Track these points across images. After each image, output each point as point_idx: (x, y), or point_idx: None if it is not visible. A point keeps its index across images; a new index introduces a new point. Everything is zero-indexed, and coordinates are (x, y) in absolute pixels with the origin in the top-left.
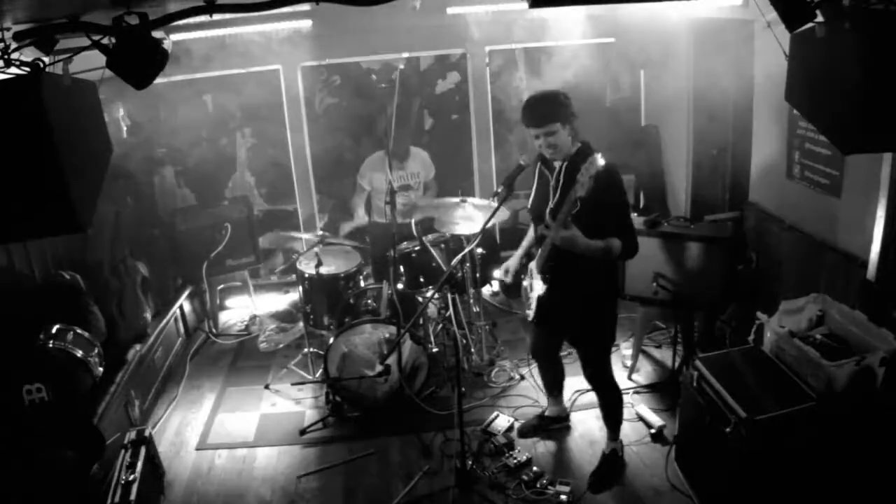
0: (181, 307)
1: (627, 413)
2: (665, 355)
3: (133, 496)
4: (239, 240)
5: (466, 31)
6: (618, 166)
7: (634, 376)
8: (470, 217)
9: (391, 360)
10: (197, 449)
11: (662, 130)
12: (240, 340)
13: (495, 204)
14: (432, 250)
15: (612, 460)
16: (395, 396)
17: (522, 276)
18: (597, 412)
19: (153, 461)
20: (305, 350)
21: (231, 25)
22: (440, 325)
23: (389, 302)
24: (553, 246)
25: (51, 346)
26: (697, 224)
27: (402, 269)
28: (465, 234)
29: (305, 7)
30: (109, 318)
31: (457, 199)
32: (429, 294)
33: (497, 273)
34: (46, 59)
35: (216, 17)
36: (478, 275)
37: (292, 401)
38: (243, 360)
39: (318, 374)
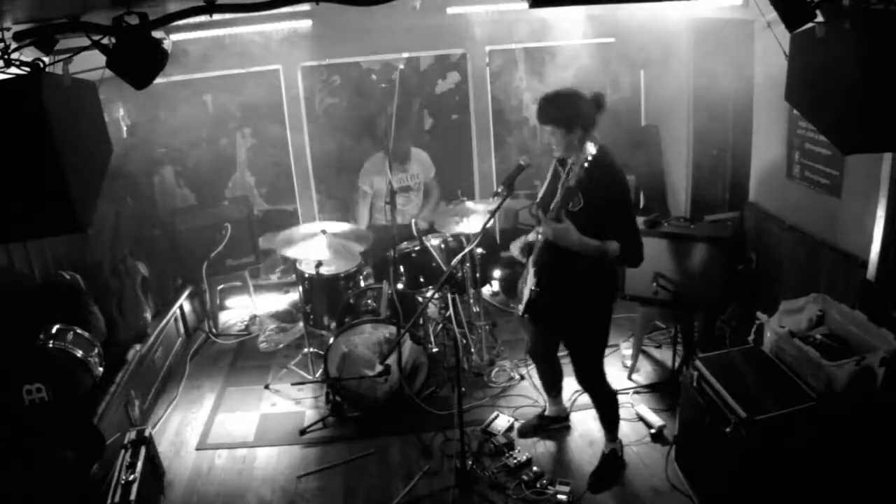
0: (181, 307)
1: (627, 413)
2: (665, 355)
3: (133, 496)
4: (239, 240)
5: (466, 31)
6: (619, 165)
7: (634, 376)
8: (470, 217)
9: (391, 360)
10: (197, 449)
11: (662, 130)
12: (240, 340)
13: (495, 204)
14: (432, 250)
15: (612, 460)
16: (395, 396)
17: (524, 261)
18: (596, 412)
19: (153, 461)
20: (305, 350)
21: (231, 25)
22: (440, 325)
23: (389, 302)
24: (547, 240)
25: (51, 346)
26: (697, 224)
27: (402, 269)
28: (465, 234)
29: (305, 7)
30: (109, 318)
31: (456, 201)
32: (429, 294)
33: (512, 246)
34: (46, 59)
35: (216, 17)
36: (478, 275)
37: (292, 401)
38: (243, 360)
39: (318, 374)
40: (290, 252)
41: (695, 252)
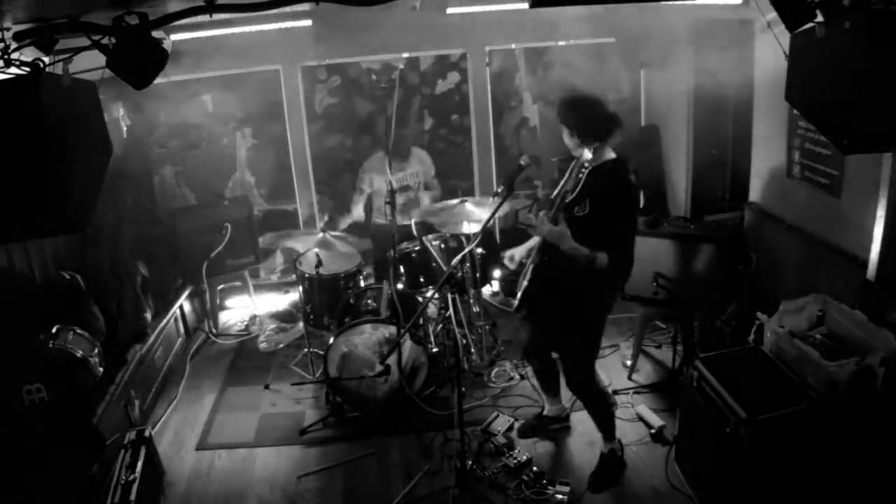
0: (181, 307)
1: (627, 413)
2: (665, 355)
3: (133, 496)
4: (239, 240)
5: (466, 31)
6: (629, 177)
7: (634, 376)
8: (470, 217)
9: (391, 360)
10: (197, 449)
11: (662, 130)
12: (240, 340)
13: (495, 203)
14: (432, 250)
15: (611, 460)
16: (395, 396)
17: (524, 260)
18: None
19: (153, 461)
20: (305, 350)
21: (231, 25)
22: (440, 325)
23: (389, 302)
24: (544, 239)
25: (51, 346)
26: (697, 224)
27: (402, 269)
28: (465, 234)
29: (305, 7)
30: (109, 318)
31: (457, 201)
32: (429, 294)
33: (506, 255)
34: (46, 59)
35: (216, 17)
36: (478, 275)
37: (292, 401)
38: (243, 360)
39: (318, 374)
40: (290, 244)
41: (695, 252)
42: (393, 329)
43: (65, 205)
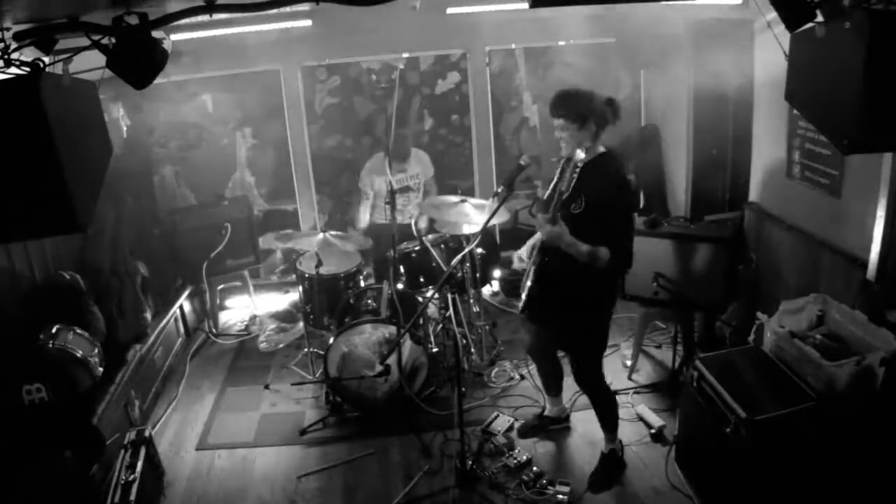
0: (181, 307)
1: (627, 413)
2: (665, 355)
3: (133, 496)
4: (239, 240)
5: (466, 31)
6: (624, 171)
7: (634, 376)
8: (470, 217)
9: (391, 360)
10: (197, 449)
11: (662, 130)
12: (240, 340)
13: (495, 204)
14: (432, 250)
15: (612, 460)
16: (395, 396)
17: (524, 265)
18: None
19: (153, 461)
20: (305, 350)
21: (231, 25)
22: (440, 325)
23: (389, 302)
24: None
25: (51, 346)
26: (697, 224)
27: (402, 269)
28: (465, 234)
29: (305, 7)
30: (109, 318)
31: (457, 199)
32: (429, 294)
33: (514, 256)
34: (46, 59)
35: (216, 17)
36: (478, 275)
37: (292, 401)
38: (243, 360)
39: (318, 374)
40: (290, 244)
41: (695, 252)
42: (393, 329)
43: (65, 205)
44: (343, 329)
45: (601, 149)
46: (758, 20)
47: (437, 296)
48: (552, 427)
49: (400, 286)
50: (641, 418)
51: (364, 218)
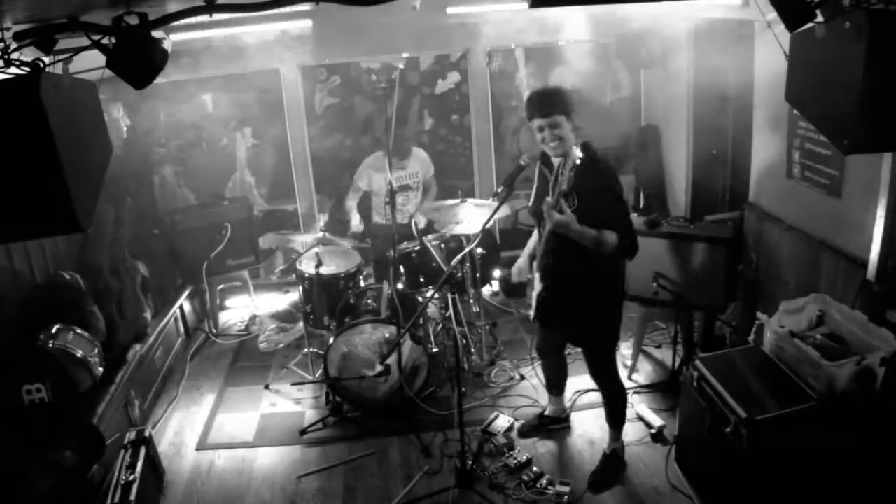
0: (181, 307)
1: (628, 413)
2: (665, 355)
3: (133, 496)
4: (239, 240)
5: (466, 31)
6: (609, 159)
7: (634, 376)
8: (470, 217)
9: (391, 360)
10: (197, 449)
11: (662, 130)
12: (240, 340)
13: (495, 203)
14: (432, 250)
15: (613, 460)
16: (395, 396)
17: (529, 276)
18: (597, 412)
19: (153, 461)
20: (305, 350)
21: (231, 25)
22: (440, 325)
23: (389, 302)
24: (551, 242)
25: (51, 346)
26: (697, 224)
27: (402, 269)
28: (465, 234)
29: (305, 7)
30: (109, 318)
31: (457, 199)
32: (429, 294)
33: (512, 272)
34: (46, 59)
35: (216, 17)
36: (478, 275)
37: (292, 401)
38: (243, 360)
39: (318, 374)
40: (290, 244)
41: (695, 252)
42: (393, 329)
43: (65, 205)
44: (343, 329)
45: (577, 149)
46: (758, 20)
47: (437, 296)
48: (552, 427)
49: (400, 286)
50: (641, 418)
51: (353, 209)
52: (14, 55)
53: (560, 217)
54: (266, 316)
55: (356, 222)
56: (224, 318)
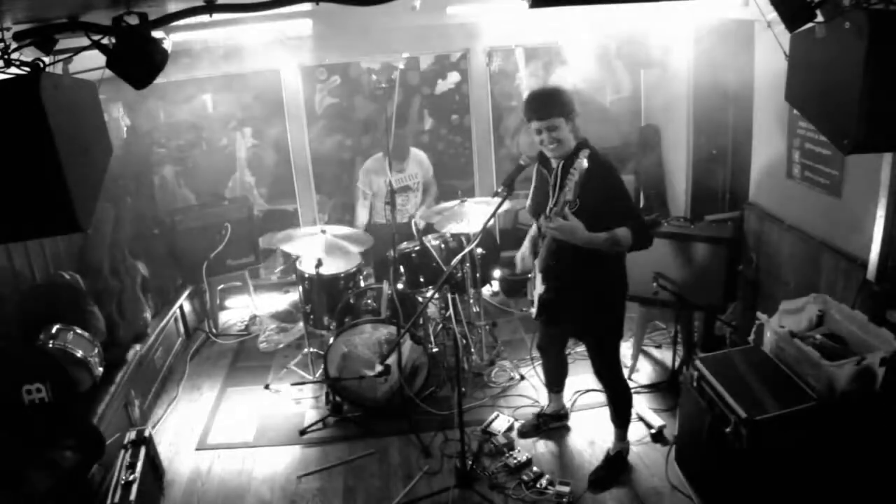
0: (181, 307)
1: None
2: (665, 355)
3: (133, 496)
4: (239, 240)
5: (466, 31)
6: (610, 158)
7: (634, 376)
8: (470, 217)
9: (391, 360)
10: (197, 449)
11: (662, 130)
12: (240, 340)
13: (495, 203)
14: (432, 250)
15: (617, 461)
16: (395, 396)
17: (531, 275)
18: (597, 412)
19: (153, 461)
20: (305, 350)
21: (231, 25)
22: (440, 325)
23: (389, 302)
24: (553, 243)
25: (51, 346)
26: (698, 224)
27: (402, 269)
28: (465, 234)
29: (305, 7)
30: (109, 318)
31: (456, 200)
32: (429, 294)
33: (516, 260)
34: (46, 59)
35: (216, 17)
36: (478, 275)
37: (292, 401)
38: (243, 360)
39: (318, 374)
40: (290, 248)
41: (695, 252)
42: (393, 329)
43: (65, 205)
44: (343, 329)
45: (577, 141)
46: (758, 20)
47: (437, 296)
48: (552, 425)
49: (400, 286)
50: (641, 418)
51: (362, 216)
52: (14, 55)
53: (564, 224)
54: (266, 316)
55: (364, 218)
56: (224, 318)
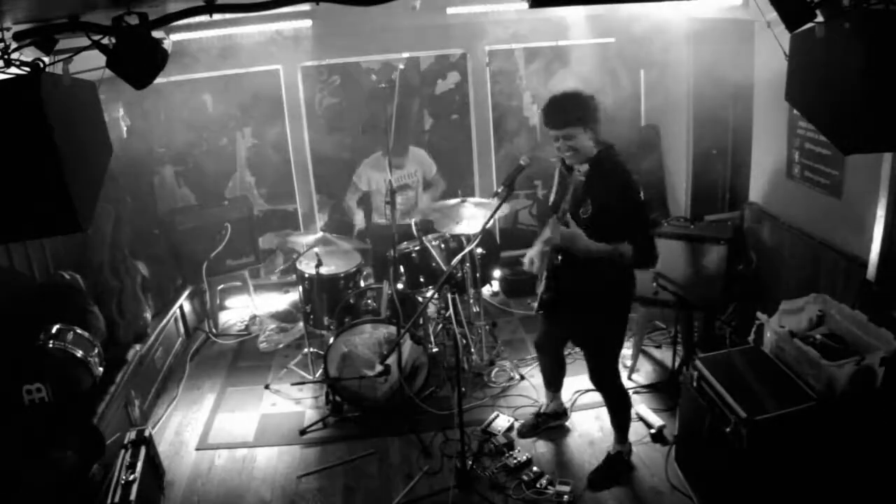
0: (181, 307)
1: None
2: (665, 355)
3: (133, 496)
4: (239, 240)
5: (466, 31)
6: (626, 168)
7: (634, 376)
8: (470, 217)
9: (391, 360)
10: (197, 449)
11: (662, 130)
12: (240, 340)
13: (496, 203)
14: (432, 250)
15: (617, 462)
16: (395, 396)
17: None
18: (596, 412)
19: (153, 461)
20: (305, 350)
21: (231, 25)
22: (440, 325)
23: (389, 302)
24: (555, 244)
25: (51, 346)
26: (697, 224)
27: (402, 269)
28: (466, 234)
29: (305, 7)
30: (109, 318)
31: (457, 200)
32: (429, 294)
33: (525, 260)
34: (46, 59)
35: (216, 17)
36: (478, 275)
37: (292, 401)
38: (243, 360)
39: (318, 374)
40: (290, 244)
41: (695, 252)
42: (393, 329)
43: (65, 205)
44: (343, 329)
45: (598, 147)
46: (758, 20)
47: (437, 296)
48: (551, 424)
49: (400, 286)
50: (641, 418)
51: (358, 215)
52: (14, 55)
53: (565, 231)
54: (266, 316)
55: (360, 219)
56: (224, 318)
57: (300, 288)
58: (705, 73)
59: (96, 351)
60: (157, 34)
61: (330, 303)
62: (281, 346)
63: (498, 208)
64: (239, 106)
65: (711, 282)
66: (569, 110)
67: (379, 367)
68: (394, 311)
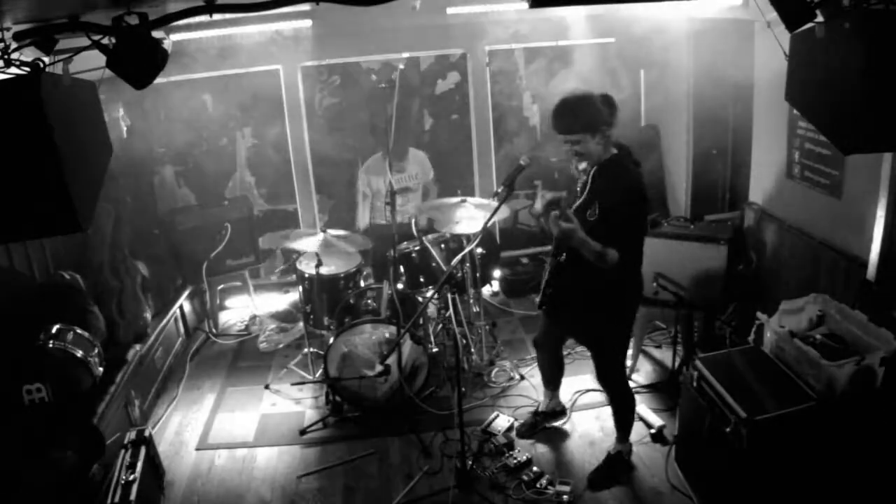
0: (181, 307)
1: None
2: (665, 355)
3: (133, 496)
4: (239, 240)
5: (466, 31)
6: (635, 173)
7: (634, 376)
8: (470, 217)
9: (391, 360)
10: (197, 449)
11: (662, 130)
12: (240, 340)
13: (495, 203)
14: (432, 250)
15: (617, 462)
16: (395, 396)
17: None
18: (596, 412)
19: (153, 461)
20: (305, 350)
21: (231, 25)
22: (440, 325)
23: (389, 302)
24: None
25: (51, 346)
26: (697, 224)
27: (402, 269)
28: (466, 234)
29: (305, 7)
30: (109, 318)
31: (457, 199)
32: (429, 294)
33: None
34: (46, 59)
35: (216, 17)
36: (478, 275)
37: (292, 401)
38: (243, 360)
39: (318, 374)
40: (290, 244)
41: (695, 252)
42: (393, 329)
43: (65, 205)
44: (343, 329)
45: (613, 150)
46: (758, 20)
47: (437, 296)
48: (549, 423)
49: (400, 286)
50: (641, 418)
51: (363, 216)
52: (14, 55)
53: (564, 225)
54: (266, 316)
55: (364, 222)
56: (224, 318)
57: (300, 288)
58: (705, 73)
59: (96, 351)
60: (157, 34)
61: (330, 303)
62: (281, 346)
63: (498, 208)
64: (239, 106)
65: (711, 282)
66: (577, 116)
67: (379, 367)
68: (394, 311)
